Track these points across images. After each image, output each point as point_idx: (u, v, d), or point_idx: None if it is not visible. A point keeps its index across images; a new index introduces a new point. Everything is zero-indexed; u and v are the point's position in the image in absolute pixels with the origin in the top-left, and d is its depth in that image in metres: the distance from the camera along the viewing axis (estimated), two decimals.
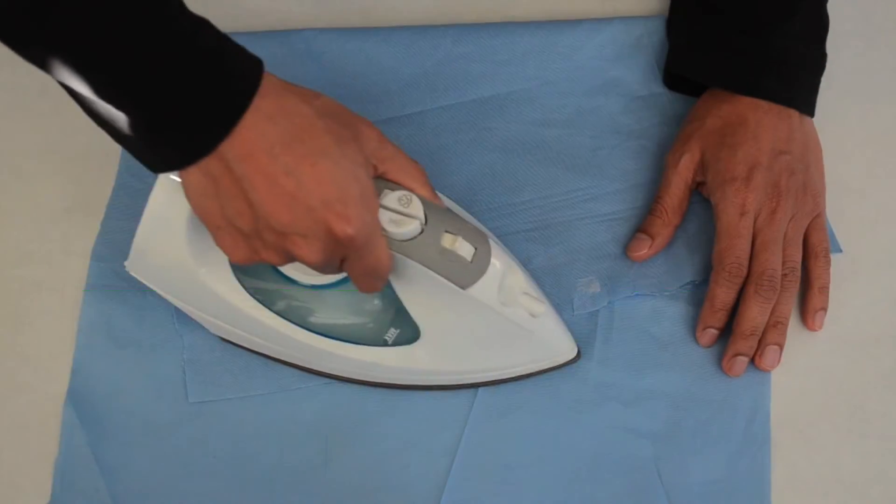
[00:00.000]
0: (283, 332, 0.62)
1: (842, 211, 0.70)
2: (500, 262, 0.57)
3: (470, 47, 0.75)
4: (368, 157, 0.52)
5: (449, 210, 0.57)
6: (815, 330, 0.66)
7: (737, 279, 0.65)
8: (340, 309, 0.63)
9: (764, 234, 0.65)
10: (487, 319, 0.58)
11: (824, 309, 0.67)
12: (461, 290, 0.56)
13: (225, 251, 0.52)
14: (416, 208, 0.54)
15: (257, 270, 0.61)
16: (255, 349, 0.65)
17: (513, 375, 0.64)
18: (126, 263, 0.60)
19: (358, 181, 0.50)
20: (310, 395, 0.65)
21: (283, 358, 0.65)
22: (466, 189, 0.70)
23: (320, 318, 0.62)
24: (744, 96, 0.68)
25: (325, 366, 0.64)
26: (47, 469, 0.63)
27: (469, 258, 0.56)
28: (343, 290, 0.62)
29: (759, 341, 0.65)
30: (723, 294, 0.65)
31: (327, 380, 0.65)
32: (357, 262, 0.53)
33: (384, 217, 0.53)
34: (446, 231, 0.55)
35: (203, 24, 0.47)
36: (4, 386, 0.66)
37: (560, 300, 0.67)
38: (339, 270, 0.54)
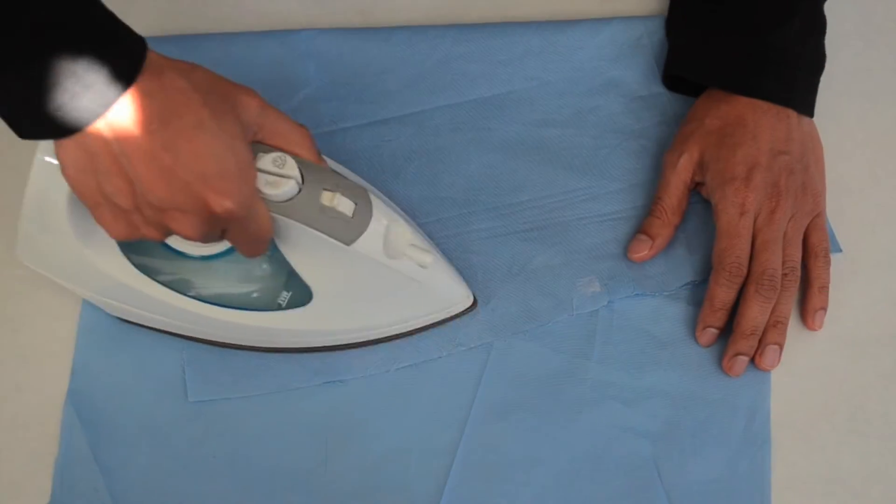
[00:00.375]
0: (176, 305, 0.62)
1: (842, 211, 0.70)
2: (382, 216, 0.58)
3: (469, 47, 0.75)
4: (248, 125, 0.53)
5: (327, 168, 0.57)
6: (815, 329, 0.67)
7: (737, 279, 0.65)
8: (231, 277, 0.63)
9: (764, 234, 0.65)
10: (376, 274, 0.59)
11: (824, 308, 0.67)
12: (345, 247, 0.56)
13: (105, 228, 0.53)
14: (291, 168, 0.54)
15: (145, 246, 0.61)
16: (152, 325, 0.65)
17: (412, 328, 0.64)
18: (17, 252, 0.60)
19: (235, 154, 0.51)
20: (309, 395, 0.65)
21: (180, 332, 0.65)
22: (466, 189, 0.70)
23: (212, 287, 0.62)
24: (742, 96, 0.68)
25: (223, 335, 0.64)
26: (47, 469, 0.63)
27: (350, 214, 0.56)
28: (232, 258, 0.62)
29: (759, 341, 0.65)
30: (722, 294, 0.65)
31: (327, 380, 0.65)
32: (239, 231, 0.54)
33: (260, 180, 0.53)
34: (325, 189, 0.55)
35: (92, 1, 0.47)
36: (4, 386, 0.66)
37: (560, 299, 0.67)
38: (221, 239, 0.54)
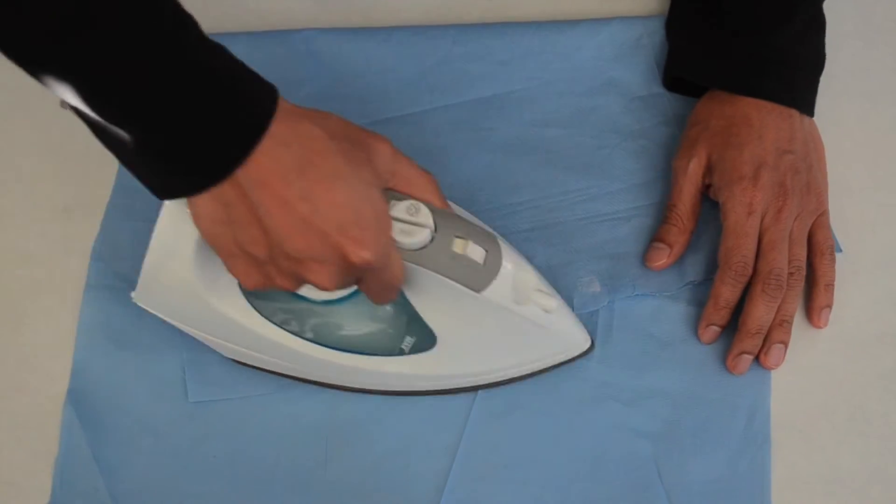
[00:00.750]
0: (300, 350, 0.61)
1: (842, 211, 0.70)
2: (510, 262, 0.57)
3: (470, 47, 0.75)
4: (381, 173, 0.52)
5: (456, 215, 0.57)
6: (821, 327, 0.66)
7: (742, 278, 0.65)
8: (354, 322, 0.63)
9: (771, 234, 0.65)
10: (503, 320, 0.58)
11: (829, 306, 0.67)
12: (475, 294, 0.56)
13: (238, 278, 0.52)
14: (425, 216, 0.54)
15: (268, 292, 0.61)
16: (273, 370, 0.64)
17: (531, 371, 0.64)
18: (133, 295, 0.60)
19: (372, 203, 0.50)
20: (310, 395, 0.65)
21: (301, 376, 0.64)
22: (466, 189, 0.70)
23: (336, 332, 0.62)
24: (745, 97, 0.68)
25: (345, 380, 0.64)
26: (47, 469, 0.63)
27: (481, 261, 0.56)
28: (355, 303, 0.62)
29: (764, 340, 0.65)
30: (727, 293, 0.65)
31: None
32: (373, 280, 0.53)
33: (395, 228, 0.53)
34: (456, 236, 0.55)
35: (218, 51, 0.47)
36: (4, 386, 0.66)
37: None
38: (349, 286, 0.54)
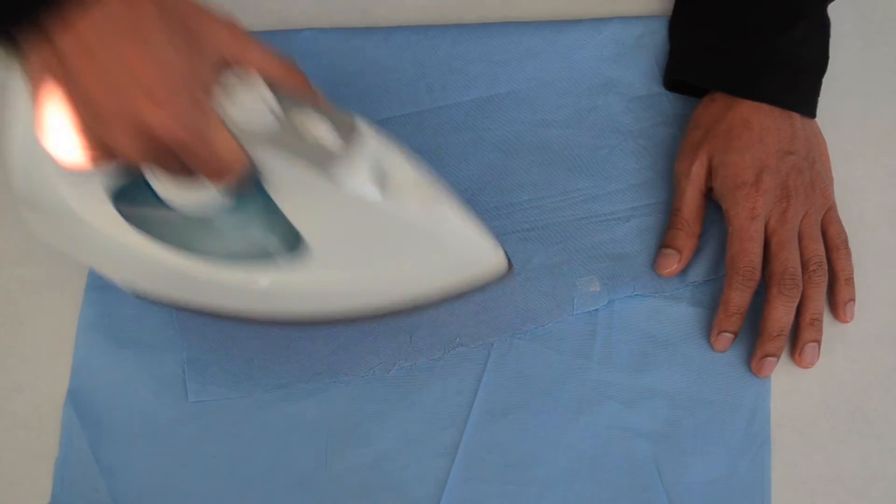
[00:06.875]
0: (172, 265, 0.57)
1: (842, 211, 0.70)
2: (374, 147, 0.50)
3: (469, 47, 0.75)
4: (212, 55, 0.50)
5: (310, 96, 0.51)
6: (847, 322, 0.66)
7: (750, 282, 0.65)
8: (226, 234, 0.57)
9: (779, 235, 0.65)
10: (378, 220, 0.51)
11: (853, 300, 0.67)
12: (333, 185, 0.49)
13: (56, 154, 0.51)
14: (264, 94, 0.49)
15: (133, 197, 0.56)
16: (157, 295, 0.60)
17: (435, 296, 0.56)
18: (25, 220, 0.58)
19: (184, 75, 0.48)
20: (310, 394, 0.65)
21: (179, 296, 0.60)
22: (465, 189, 0.70)
23: (203, 242, 0.57)
24: (745, 99, 0.68)
25: (221, 298, 0.59)
26: (47, 469, 0.63)
27: (335, 145, 0.49)
28: (226, 214, 0.56)
29: (796, 340, 0.65)
30: (737, 298, 0.65)
31: (328, 380, 0.65)
32: (194, 159, 0.50)
33: (228, 104, 0.49)
34: (306, 117, 0.49)
35: None
36: (4, 386, 0.66)
37: (560, 299, 0.67)
38: (191, 177, 0.51)
